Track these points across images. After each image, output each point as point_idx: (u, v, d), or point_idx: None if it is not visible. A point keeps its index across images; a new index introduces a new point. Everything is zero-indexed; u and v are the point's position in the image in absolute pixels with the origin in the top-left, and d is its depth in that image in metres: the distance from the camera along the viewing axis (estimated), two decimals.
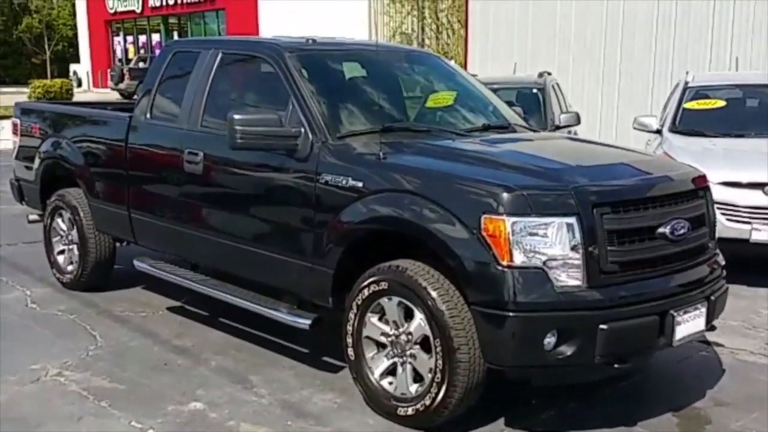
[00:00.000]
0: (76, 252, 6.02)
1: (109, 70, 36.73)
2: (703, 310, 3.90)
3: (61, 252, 6.21)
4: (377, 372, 3.94)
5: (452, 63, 5.95)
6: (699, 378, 4.52)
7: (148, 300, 5.87)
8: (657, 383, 4.47)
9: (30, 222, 6.68)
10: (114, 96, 29.53)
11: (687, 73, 8.68)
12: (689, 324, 3.81)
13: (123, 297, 5.93)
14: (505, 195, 3.49)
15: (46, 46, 38.41)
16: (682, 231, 3.81)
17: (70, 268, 6.11)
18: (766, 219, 6.23)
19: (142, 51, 38.62)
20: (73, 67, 42.16)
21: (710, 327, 4.09)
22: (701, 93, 8.04)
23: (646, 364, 4.52)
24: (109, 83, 33.87)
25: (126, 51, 40.63)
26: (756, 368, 4.69)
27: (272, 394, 4.21)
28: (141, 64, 32.42)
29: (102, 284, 6.06)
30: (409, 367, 3.83)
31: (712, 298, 3.98)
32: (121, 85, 31.39)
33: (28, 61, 44.53)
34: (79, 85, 38.92)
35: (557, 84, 10.23)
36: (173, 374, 4.49)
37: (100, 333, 5.13)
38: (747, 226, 6.25)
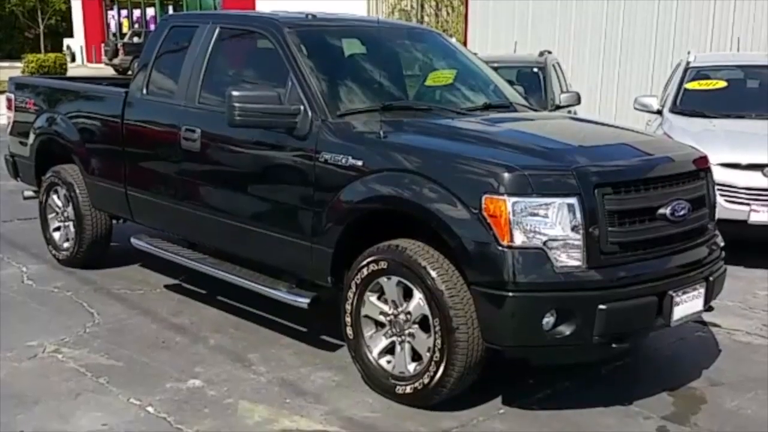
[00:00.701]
0: (72, 229, 6.00)
1: (103, 45, 36.44)
2: (702, 291, 3.91)
3: (57, 229, 6.18)
4: (376, 351, 3.95)
5: (453, 40, 5.90)
6: (695, 358, 4.54)
7: (145, 278, 5.85)
8: (653, 363, 4.49)
9: (25, 198, 6.63)
10: (108, 71, 29.33)
11: (688, 53, 8.64)
12: (687, 305, 3.82)
13: (120, 274, 5.92)
14: (506, 175, 3.47)
15: (40, 20, 38.00)
16: (682, 212, 3.80)
17: (66, 245, 6.08)
18: (764, 200, 6.23)
19: (136, 25, 38.32)
20: (66, 41, 41.78)
21: (708, 308, 4.10)
22: (702, 73, 8.01)
23: (642, 344, 4.53)
24: (104, 58, 33.60)
25: (120, 25, 40.26)
26: (752, 349, 4.71)
27: (270, 372, 4.21)
28: (135, 39, 32.19)
29: (98, 261, 6.04)
30: (407, 346, 3.83)
31: (711, 279, 3.99)
32: (116, 60, 31.18)
33: (21, 36, 44.08)
34: (73, 59, 38.60)
35: (558, 63, 10.17)
36: (171, 352, 4.48)
37: (97, 310, 5.12)
38: (746, 208, 6.26)
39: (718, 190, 5.31)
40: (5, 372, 4.17)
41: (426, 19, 22.88)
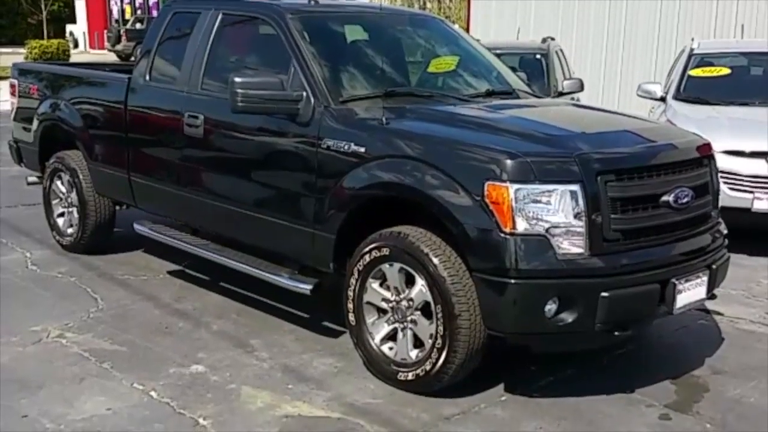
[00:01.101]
0: (75, 215, 6.01)
1: (105, 31, 36.38)
2: (705, 278, 3.90)
3: (61, 215, 6.20)
4: (378, 337, 3.96)
5: (455, 27, 5.88)
6: (698, 346, 4.54)
7: (148, 263, 5.87)
8: (656, 351, 4.50)
9: (29, 184, 6.66)
10: (111, 57, 29.28)
11: (692, 39, 8.60)
12: (690, 292, 3.81)
13: (123, 260, 5.93)
14: (508, 162, 3.46)
15: (43, 6, 37.93)
16: (685, 199, 3.79)
17: (69, 230, 6.10)
18: None
19: (139, 11, 38.21)
20: (69, 27, 41.73)
21: (711, 296, 4.10)
22: (706, 60, 7.98)
23: (645, 332, 4.54)
24: (106, 44, 33.58)
25: (123, 11, 40.17)
26: (755, 337, 4.71)
27: (273, 358, 4.23)
28: (138, 25, 32.13)
29: (102, 247, 6.06)
30: (409, 332, 3.84)
31: (714, 266, 3.99)
32: (118, 47, 31.14)
33: (24, 21, 44.00)
34: (76, 46, 38.55)
35: (561, 50, 10.13)
36: (174, 337, 4.50)
37: (100, 296, 5.14)
38: (749, 195, 6.24)
39: (722, 177, 5.29)
40: (9, 357, 4.19)
41: (428, 5, 22.78)
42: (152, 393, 3.80)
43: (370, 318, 3.98)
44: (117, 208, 5.99)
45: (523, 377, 4.04)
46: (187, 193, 4.99)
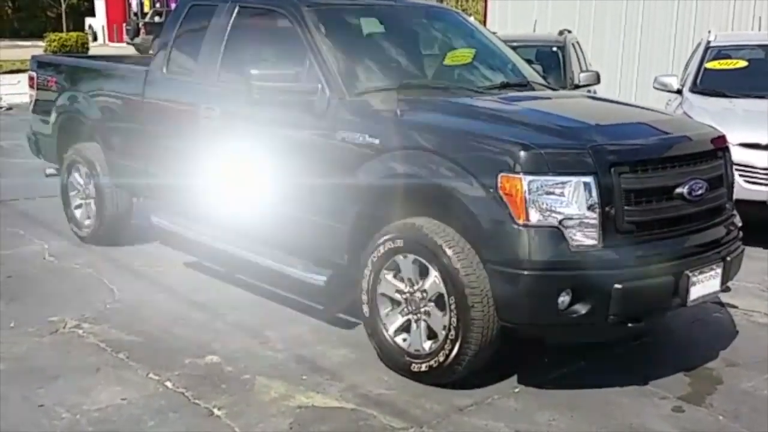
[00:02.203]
0: (93, 206, 6.07)
1: (124, 24, 36.59)
2: (719, 271, 3.89)
3: (79, 206, 6.26)
4: (392, 329, 3.97)
5: (471, 19, 5.87)
6: (712, 339, 4.53)
7: (164, 255, 5.91)
8: (669, 343, 4.49)
9: (47, 176, 6.72)
10: (130, 50, 29.44)
11: (709, 32, 8.54)
12: (704, 285, 3.80)
13: (140, 252, 5.99)
14: (522, 153, 3.46)
15: (62, 0, 38.22)
16: (699, 191, 3.78)
17: (87, 222, 6.16)
18: None
19: (157, 5, 38.38)
20: (88, 20, 42.03)
21: (725, 288, 4.09)
22: (723, 53, 7.92)
23: (659, 324, 4.53)
24: (125, 37, 33.77)
25: (141, 4, 40.37)
26: None
27: (288, 349, 4.26)
28: (157, 18, 32.30)
29: (119, 239, 6.11)
30: (423, 324, 3.85)
31: (728, 259, 3.97)
32: (137, 40, 31.32)
33: (43, 15, 44.35)
34: (95, 39, 38.82)
35: (577, 42, 10.08)
36: (190, 328, 4.54)
37: (117, 287, 5.19)
38: (765, 188, 6.20)
39: (737, 170, 5.27)
40: (27, 347, 4.25)
41: None
42: (167, 383, 3.83)
43: (384, 309, 4.00)
44: (134, 199, 6.04)
45: (536, 369, 4.04)
46: (202, 185, 5.03)
